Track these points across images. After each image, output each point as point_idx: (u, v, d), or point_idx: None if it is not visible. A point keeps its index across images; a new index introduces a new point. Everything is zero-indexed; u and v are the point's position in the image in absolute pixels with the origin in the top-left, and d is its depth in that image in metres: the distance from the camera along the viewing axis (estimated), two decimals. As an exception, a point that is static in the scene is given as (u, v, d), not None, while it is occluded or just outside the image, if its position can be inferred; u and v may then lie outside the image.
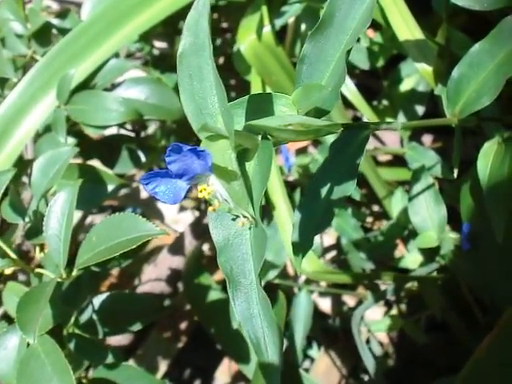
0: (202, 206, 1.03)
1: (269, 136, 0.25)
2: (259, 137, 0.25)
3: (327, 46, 0.29)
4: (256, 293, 0.24)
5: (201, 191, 0.25)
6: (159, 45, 0.95)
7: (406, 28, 0.56)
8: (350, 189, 0.37)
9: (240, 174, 0.24)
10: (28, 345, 0.44)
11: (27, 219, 0.52)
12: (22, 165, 0.66)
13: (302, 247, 0.38)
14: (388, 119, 0.84)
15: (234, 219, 0.27)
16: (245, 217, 0.25)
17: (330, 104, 0.27)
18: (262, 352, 0.24)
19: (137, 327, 0.53)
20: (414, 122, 0.38)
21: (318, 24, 0.29)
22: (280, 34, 0.76)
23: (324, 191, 0.37)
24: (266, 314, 0.24)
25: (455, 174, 0.51)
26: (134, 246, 0.40)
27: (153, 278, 0.93)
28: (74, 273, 0.45)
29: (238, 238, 0.26)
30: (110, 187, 0.61)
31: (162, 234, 0.41)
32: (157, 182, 0.25)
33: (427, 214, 0.56)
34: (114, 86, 0.69)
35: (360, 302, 0.97)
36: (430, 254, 0.71)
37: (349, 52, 0.26)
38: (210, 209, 0.26)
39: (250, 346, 0.24)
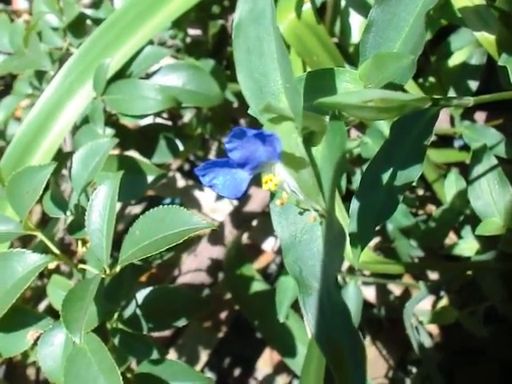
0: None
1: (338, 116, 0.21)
2: (327, 118, 0.22)
3: (399, 9, 0.24)
4: (332, 298, 0.21)
5: (266, 182, 0.21)
6: (192, 32, 0.93)
7: (463, -7, 0.51)
8: (416, 173, 0.33)
9: (309, 161, 0.21)
10: (74, 342, 0.43)
11: (68, 213, 0.51)
12: (62, 157, 0.66)
13: (360, 239, 0.34)
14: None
15: (301, 213, 0.23)
16: (316, 210, 0.21)
17: (405, 77, 0.23)
18: (342, 370, 0.20)
19: (182, 323, 0.52)
20: (486, 96, 0.34)
21: (389, -16, 0.25)
22: (318, 13, 0.72)
23: (385, 177, 0.34)
24: (344, 323, 0.20)
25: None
26: (181, 241, 0.38)
27: (193, 269, 0.91)
28: (118, 269, 0.44)
29: (307, 234, 0.23)
30: (150, 178, 0.59)
31: (209, 227, 0.39)
32: (214, 173, 0.21)
33: (491, 198, 0.51)
34: (150, 75, 0.67)
35: (406, 291, 0.93)
36: (487, 240, 0.66)
37: (428, 14, 0.22)
38: (276, 202, 0.22)
39: (328, 363, 0.21)
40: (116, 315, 0.52)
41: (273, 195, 0.23)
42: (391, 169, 0.33)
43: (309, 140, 0.23)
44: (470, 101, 0.32)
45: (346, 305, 0.20)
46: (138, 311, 0.51)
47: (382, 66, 0.23)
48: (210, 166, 0.22)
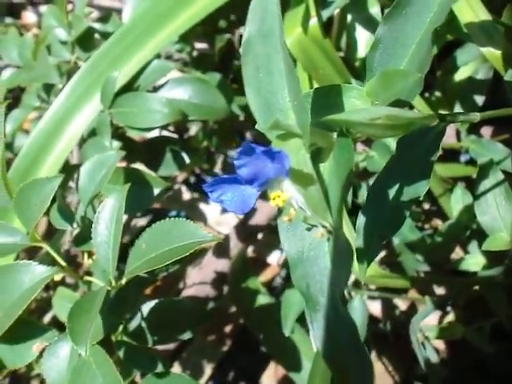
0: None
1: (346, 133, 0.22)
2: (334, 134, 0.22)
3: (406, 26, 0.25)
4: (338, 315, 0.21)
5: (274, 198, 0.21)
6: (198, 46, 0.94)
7: (469, 9, 0.51)
8: (423, 189, 0.33)
9: (316, 178, 0.21)
10: (80, 354, 0.43)
11: (75, 225, 0.51)
12: (69, 170, 0.66)
13: (367, 254, 0.34)
14: (442, 112, 0.79)
15: (308, 229, 0.23)
16: (323, 226, 0.21)
17: (412, 94, 0.23)
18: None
19: (186, 336, 0.51)
20: (492, 112, 0.34)
21: (396, 2, 0.25)
22: (325, 27, 0.73)
23: (392, 192, 0.34)
24: (352, 340, 0.20)
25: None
26: (187, 254, 0.38)
27: (198, 282, 0.91)
28: (123, 281, 0.44)
29: (315, 250, 0.23)
30: (156, 190, 0.59)
31: (215, 240, 0.39)
32: (223, 190, 0.21)
33: (497, 213, 0.51)
34: (157, 88, 0.68)
35: (413, 306, 0.92)
36: (493, 255, 0.66)
37: (435, 32, 0.23)
38: (284, 218, 0.22)
39: (334, 378, 0.20)
40: (121, 328, 0.52)
41: (280, 210, 0.23)
42: (397, 184, 0.33)
43: (316, 156, 0.23)
44: (476, 116, 0.32)
45: (352, 320, 0.20)
46: (143, 324, 0.51)
47: (388, 83, 0.23)
48: (219, 182, 0.22)
